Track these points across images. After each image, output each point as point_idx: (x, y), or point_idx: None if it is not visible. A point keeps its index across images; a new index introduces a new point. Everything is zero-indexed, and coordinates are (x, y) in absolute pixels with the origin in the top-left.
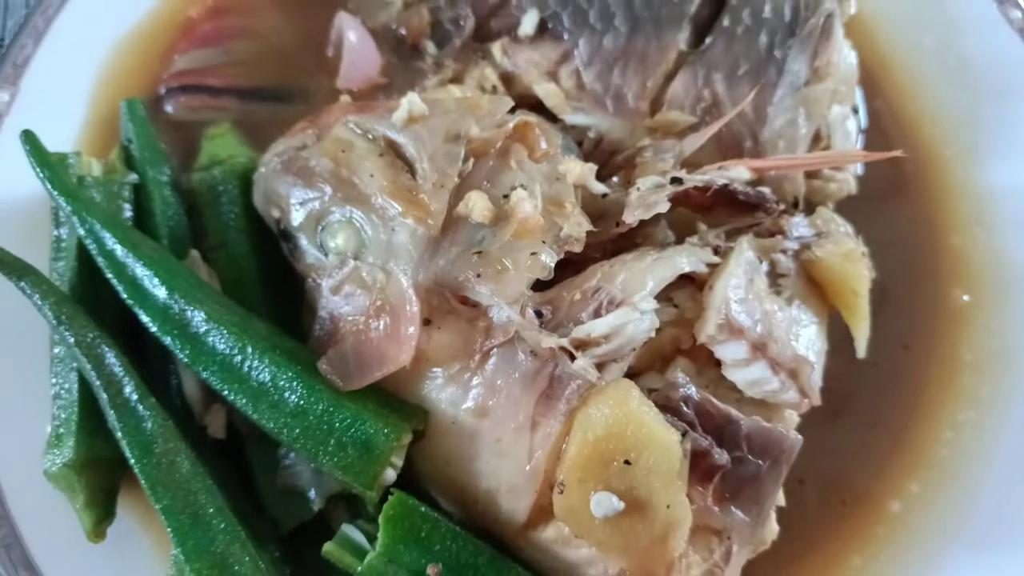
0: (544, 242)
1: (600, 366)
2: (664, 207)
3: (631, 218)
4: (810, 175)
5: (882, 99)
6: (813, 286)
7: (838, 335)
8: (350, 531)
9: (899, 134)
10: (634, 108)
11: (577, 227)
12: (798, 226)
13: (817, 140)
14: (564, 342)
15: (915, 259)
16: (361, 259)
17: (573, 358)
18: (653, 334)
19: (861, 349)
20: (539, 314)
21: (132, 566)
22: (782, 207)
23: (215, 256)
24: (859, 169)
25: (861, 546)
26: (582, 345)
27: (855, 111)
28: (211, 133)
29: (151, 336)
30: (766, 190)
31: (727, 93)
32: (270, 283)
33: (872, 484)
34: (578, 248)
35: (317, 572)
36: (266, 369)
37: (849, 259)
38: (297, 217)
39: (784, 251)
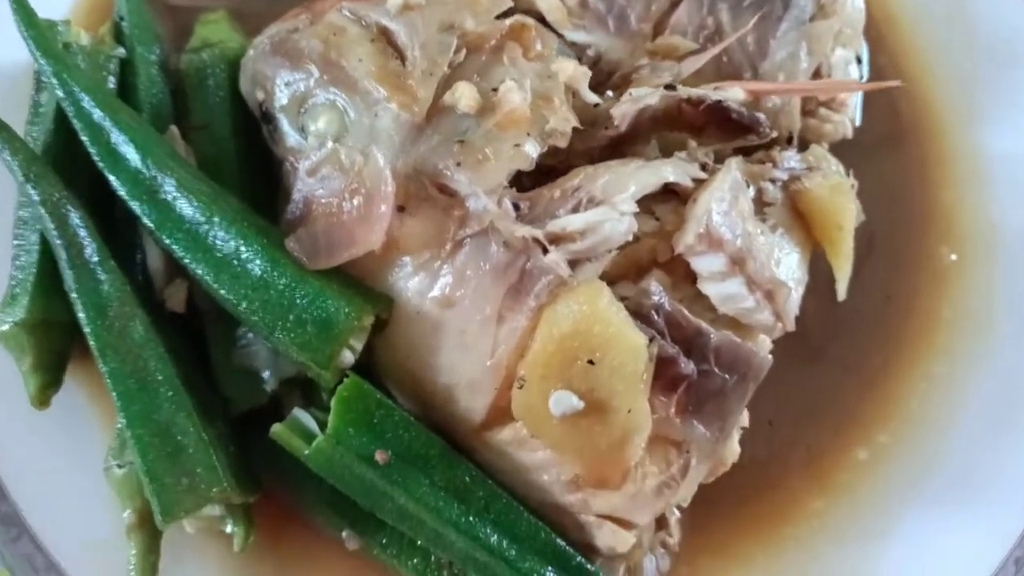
0: (529, 135)
1: (573, 264)
2: (653, 99)
3: (620, 118)
4: (806, 113)
5: (886, 55)
6: (798, 219)
7: (821, 279)
8: (301, 415)
9: (899, 90)
10: (636, 30)
11: (564, 122)
12: (789, 159)
13: (817, 79)
14: (538, 233)
15: (905, 212)
16: (341, 143)
17: (546, 251)
18: (631, 238)
19: (842, 290)
20: (516, 207)
21: (79, 440)
22: (774, 134)
23: (195, 137)
24: (857, 117)
25: (824, 491)
26: (557, 239)
27: (859, 60)
28: (205, 19)
29: (120, 208)
30: (761, 115)
31: (731, 23)
32: (248, 169)
33: (841, 430)
34: (563, 143)
35: (263, 457)
36: (232, 240)
37: (837, 191)
38: (281, 98)
39: (773, 180)
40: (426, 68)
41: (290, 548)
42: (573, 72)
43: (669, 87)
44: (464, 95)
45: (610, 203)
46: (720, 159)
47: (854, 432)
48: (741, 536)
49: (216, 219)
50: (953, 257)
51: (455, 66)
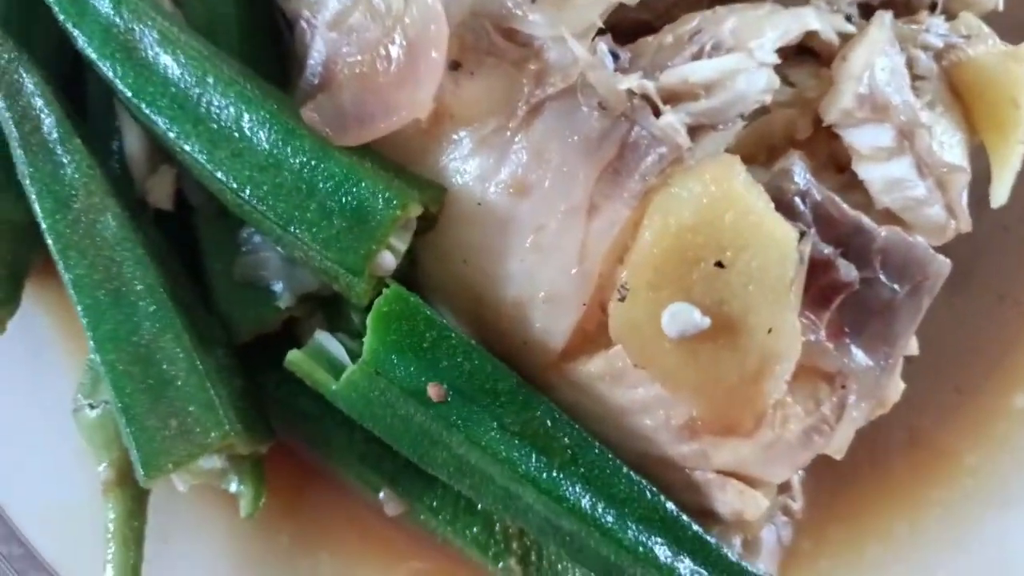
0: None
1: (693, 132)
2: None
3: None
4: None
5: None
6: (956, 100)
7: None
8: (326, 339)
9: None
10: None
11: None
12: (939, 27)
13: None
14: (648, 86)
15: None
16: None
17: (658, 113)
18: (767, 100)
19: (1004, 191)
20: (615, 57)
21: (41, 375)
22: None
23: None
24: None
25: (976, 443)
26: (673, 97)
27: None
28: None
29: (92, 83)
30: None
31: None
32: (249, 39)
33: (995, 370)
34: None
35: (274, 398)
36: (231, 106)
37: (1012, 58)
38: None
39: (925, 47)
40: None
41: (310, 513)
42: None
43: None
44: None
45: (744, 50)
46: (865, 14)
47: (1010, 372)
48: (877, 502)
49: (211, 80)
50: None
51: None
